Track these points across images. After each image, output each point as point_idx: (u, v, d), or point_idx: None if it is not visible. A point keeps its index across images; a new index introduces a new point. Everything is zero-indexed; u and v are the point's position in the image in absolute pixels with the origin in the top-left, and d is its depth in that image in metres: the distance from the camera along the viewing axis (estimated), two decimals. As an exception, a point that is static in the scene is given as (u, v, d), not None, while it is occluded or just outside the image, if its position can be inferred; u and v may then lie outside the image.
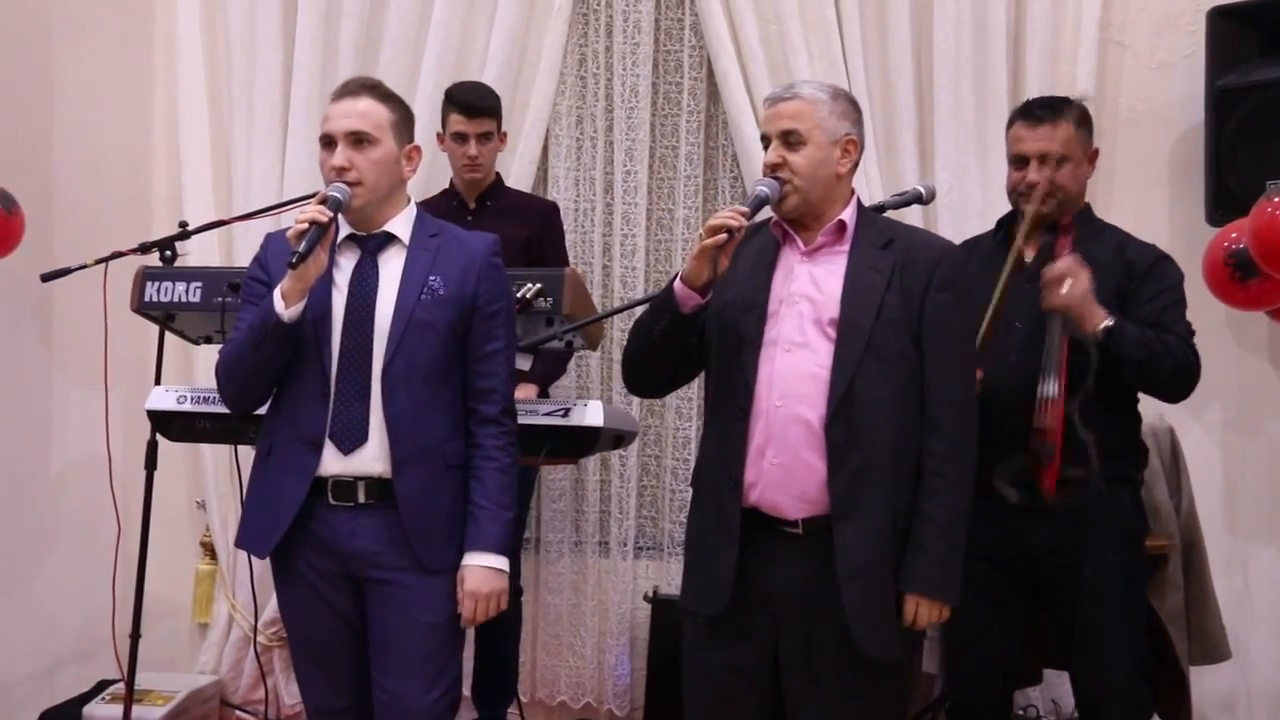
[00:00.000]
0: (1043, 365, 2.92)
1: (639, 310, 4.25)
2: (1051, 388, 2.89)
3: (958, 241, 3.58)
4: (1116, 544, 3.00)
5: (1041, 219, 3.06)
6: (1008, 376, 2.97)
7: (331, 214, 2.58)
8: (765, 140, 2.68)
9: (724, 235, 2.50)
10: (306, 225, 2.54)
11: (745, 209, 2.55)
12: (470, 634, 4.16)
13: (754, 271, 2.66)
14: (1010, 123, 3.17)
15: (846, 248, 2.66)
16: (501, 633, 3.93)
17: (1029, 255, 3.09)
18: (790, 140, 2.63)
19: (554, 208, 4.13)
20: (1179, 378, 2.98)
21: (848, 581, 2.52)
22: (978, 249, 3.25)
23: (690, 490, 2.81)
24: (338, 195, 2.62)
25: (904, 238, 2.71)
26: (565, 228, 4.29)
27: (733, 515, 2.59)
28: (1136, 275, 3.03)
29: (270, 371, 2.68)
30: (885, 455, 2.55)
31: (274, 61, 4.46)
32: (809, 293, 2.62)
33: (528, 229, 3.89)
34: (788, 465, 2.56)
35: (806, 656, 2.58)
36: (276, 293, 2.60)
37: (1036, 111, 3.09)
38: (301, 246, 2.53)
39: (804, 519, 2.56)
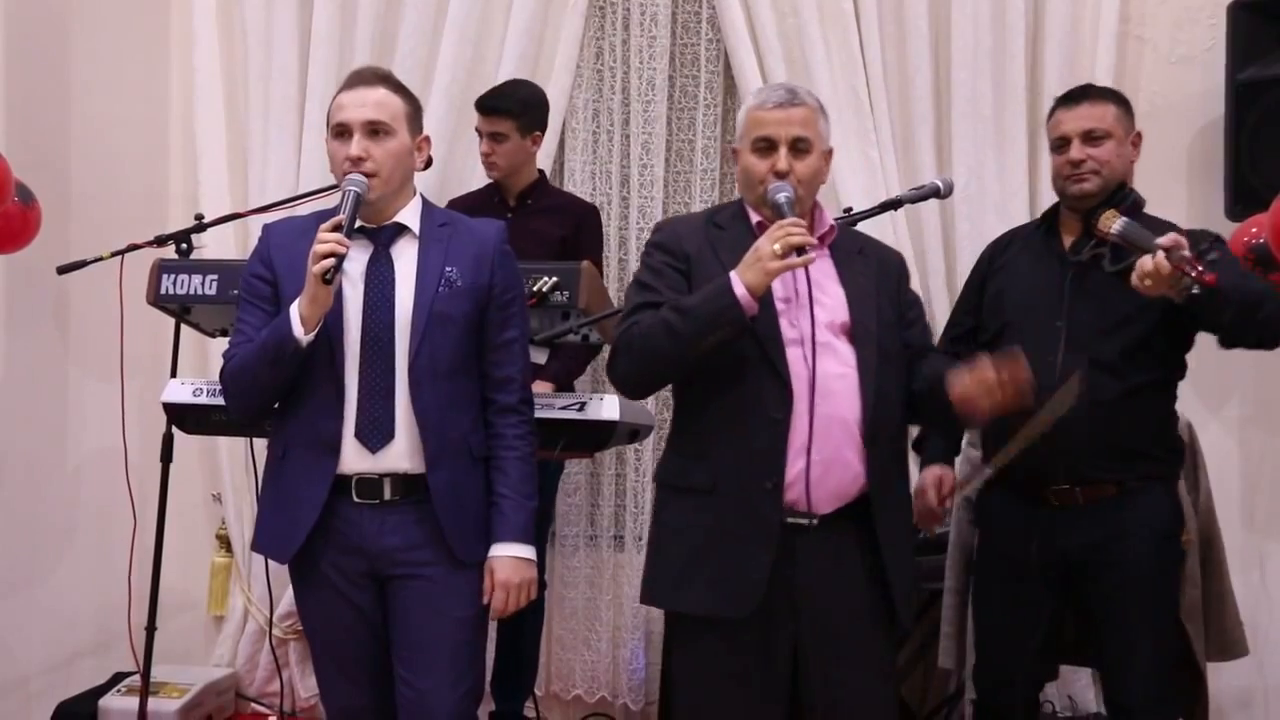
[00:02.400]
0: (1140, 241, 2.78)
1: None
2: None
3: (976, 238, 3.59)
4: (1152, 541, 2.98)
5: (1085, 198, 3.04)
6: (1043, 375, 2.90)
7: (349, 244, 2.53)
8: (766, 142, 2.65)
9: (796, 255, 2.47)
10: (333, 262, 2.49)
11: (803, 222, 2.53)
12: (492, 626, 4.19)
13: None
14: (1050, 114, 3.16)
15: (827, 251, 2.71)
16: (524, 625, 3.95)
17: (1068, 242, 3.08)
18: (799, 148, 2.64)
19: (593, 211, 4.13)
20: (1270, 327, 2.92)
21: (895, 571, 2.62)
22: (1014, 243, 3.23)
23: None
24: (357, 189, 2.60)
25: (868, 245, 2.84)
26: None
27: (770, 517, 2.55)
28: None
29: (284, 387, 2.66)
30: (901, 447, 2.72)
31: (290, 55, 4.46)
32: (815, 295, 2.63)
33: (564, 229, 3.90)
34: (828, 463, 2.56)
35: (836, 642, 2.59)
36: (295, 318, 2.55)
37: (1074, 95, 3.11)
38: (328, 277, 2.50)
39: (822, 513, 2.58)
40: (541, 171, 4.10)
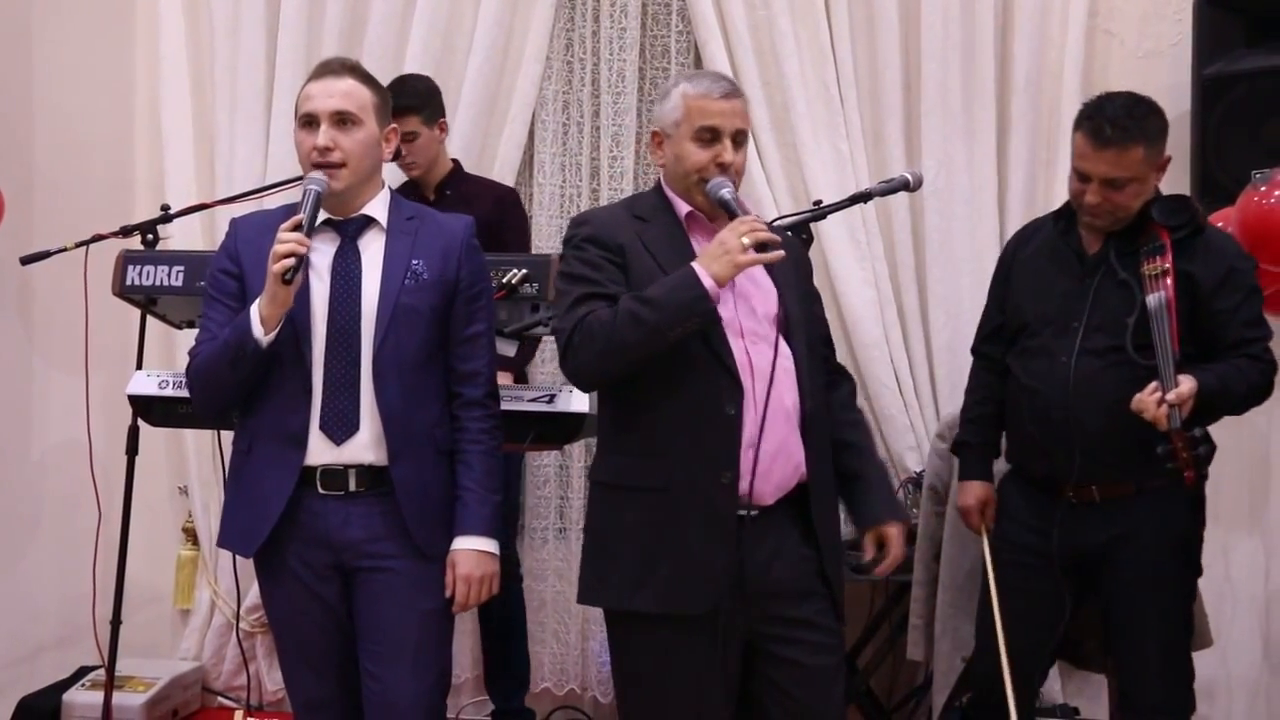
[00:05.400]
0: (1161, 372, 2.77)
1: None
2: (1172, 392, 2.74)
3: (945, 231, 3.59)
4: (1166, 543, 2.97)
5: (1094, 230, 3.00)
6: (1058, 377, 2.95)
7: (309, 244, 2.52)
8: (712, 133, 2.60)
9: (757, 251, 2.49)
10: (292, 261, 2.46)
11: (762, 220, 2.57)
12: (475, 624, 4.19)
13: (680, 258, 2.58)
14: (1077, 124, 2.95)
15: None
16: (508, 621, 3.97)
17: (1092, 249, 3.01)
18: (738, 141, 2.64)
19: (512, 194, 4.13)
20: (1255, 398, 2.96)
21: (830, 562, 2.65)
22: (1036, 237, 3.18)
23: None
24: (317, 189, 2.58)
25: (783, 236, 2.81)
26: (551, 213, 4.35)
27: (725, 511, 2.53)
28: (1208, 290, 2.92)
29: (247, 386, 2.64)
30: (828, 439, 2.70)
31: (258, 44, 4.43)
32: (749, 287, 2.62)
33: (483, 215, 3.86)
34: (774, 455, 2.56)
35: (786, 624, 2.60)
36: (255, 318, 2.53)
37: (1107, 132, 2.86)
38: (288, 277, 2.47)
39: (764, 505, 2.59)
40: (455, 160, 4.07)
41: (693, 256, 2.58)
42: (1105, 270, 2.97)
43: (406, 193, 3.97)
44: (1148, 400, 2.72)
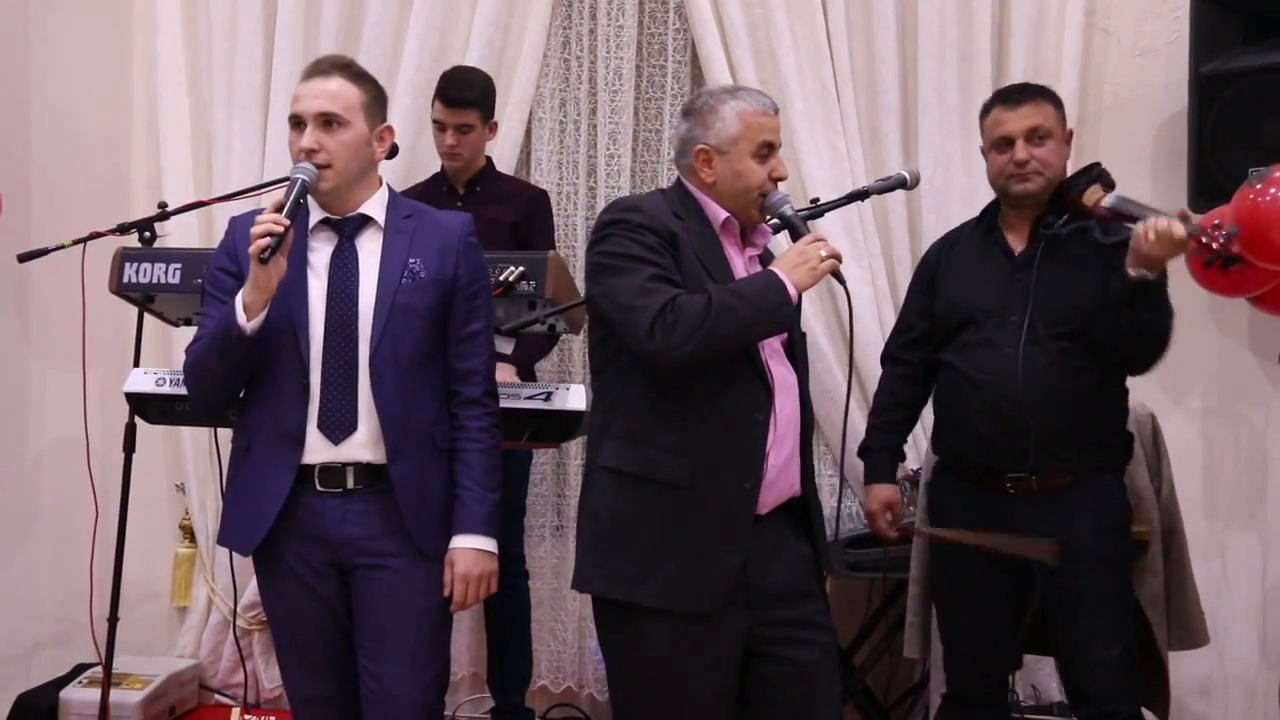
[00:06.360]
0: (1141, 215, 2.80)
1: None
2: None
3: (942, 229, 3.60)
4: (1102, 530, 3.02)
5: (1029, 197, 3.06)
6: (1006, 368, 2.98)
7: (288, 222, 2.51)
8: (769, 148, 2.65)
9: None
10: (269, 241, 2.47)
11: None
12: (480, 620, 4.21)
13: (717, 265, 2.62)
14: (985, 111, 3.16)
15: (757, 253, 2.77)
16: (511, 617, 3.99)
17: (1018, 247, 3.10)
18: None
19: (543, 195, 4.13)
20: (1164, 346, 2.98)
21: (826, 566, 2.74)
22: (959, 241, 3.26)
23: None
24: (304, 177, 2.59)
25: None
26: (547, 212, 4.33)
27: (743, 516, 2.55)
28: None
29: (238, 377, 2.65)
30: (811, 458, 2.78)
31: (255, 42, 4.43)
32: None
33: (515, 215, 3.90)
34: (781, 466, 2.60)
35: (793, 633, 2.62)
36: (238, 303, 2.54)
37: (1015, 95, 3.11)
38: (264, 257, 2.47)
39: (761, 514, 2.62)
40: (488, 158, 4.08)
41: (726, 262, 2.63)
42: (1041, 263, 3.03)
43: (435, 185, 4.00)
44: (1158, 225, 2.71)
